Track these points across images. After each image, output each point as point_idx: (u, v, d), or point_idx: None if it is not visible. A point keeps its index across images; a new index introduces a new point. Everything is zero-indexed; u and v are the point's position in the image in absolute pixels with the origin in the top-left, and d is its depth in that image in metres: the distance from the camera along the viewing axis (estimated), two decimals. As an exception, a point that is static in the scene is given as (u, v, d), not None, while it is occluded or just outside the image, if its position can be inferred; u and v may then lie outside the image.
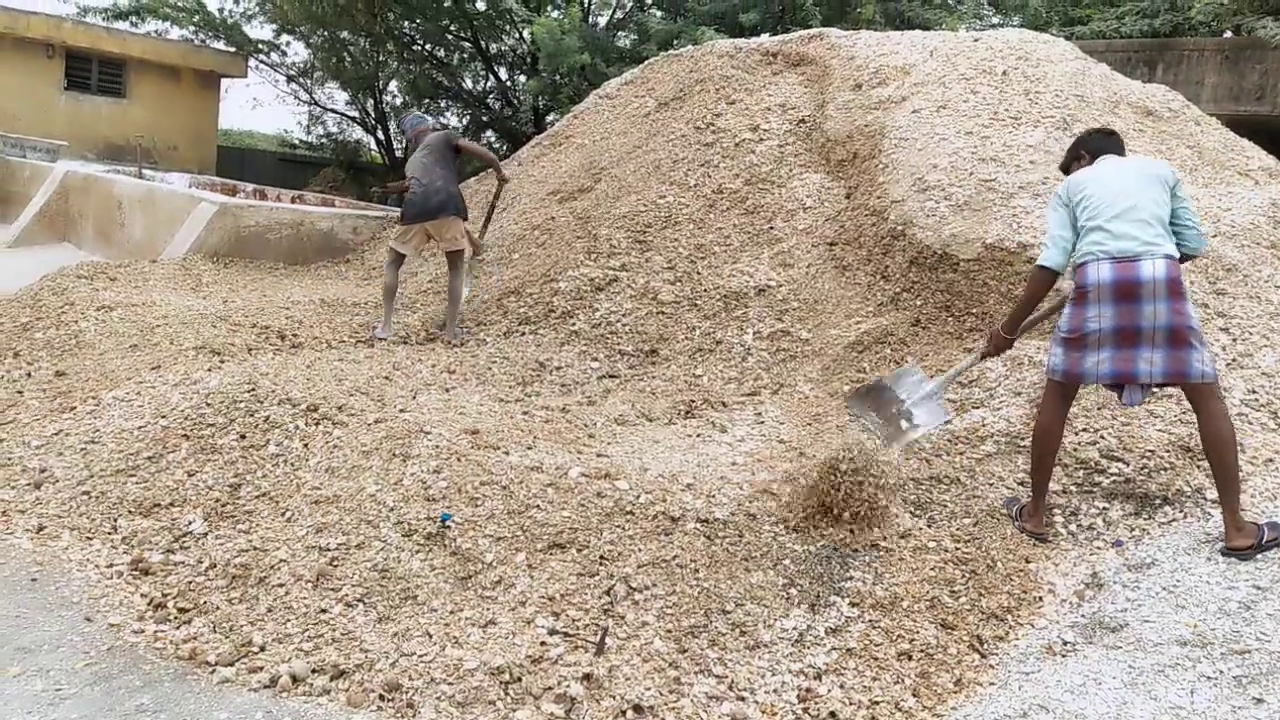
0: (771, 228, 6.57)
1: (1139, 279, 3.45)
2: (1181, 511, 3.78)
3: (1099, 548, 3.71)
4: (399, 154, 17.24)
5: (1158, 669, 2.82)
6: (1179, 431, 4.08)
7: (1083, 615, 3.28)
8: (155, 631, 3.12)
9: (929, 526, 3.76)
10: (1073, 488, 4.00)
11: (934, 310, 5.40)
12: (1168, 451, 4.03)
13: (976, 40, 7.42)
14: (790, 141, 7.27)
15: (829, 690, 2.94)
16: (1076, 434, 4.13)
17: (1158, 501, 3.83)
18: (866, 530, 3.54)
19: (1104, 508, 3.87)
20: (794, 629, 3.17)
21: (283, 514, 3.66)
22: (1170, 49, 11.72)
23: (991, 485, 4.07)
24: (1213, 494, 3.75)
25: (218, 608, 3.22)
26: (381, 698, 2.83)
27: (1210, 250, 5.01)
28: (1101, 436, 4.16)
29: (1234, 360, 4.49)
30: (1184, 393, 3.65)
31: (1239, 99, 11.06)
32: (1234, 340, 4.61)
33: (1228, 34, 12.63)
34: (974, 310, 5.21)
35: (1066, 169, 4.10)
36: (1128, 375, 3.55)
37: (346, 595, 3.21)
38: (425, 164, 6.67)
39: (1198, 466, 3.90)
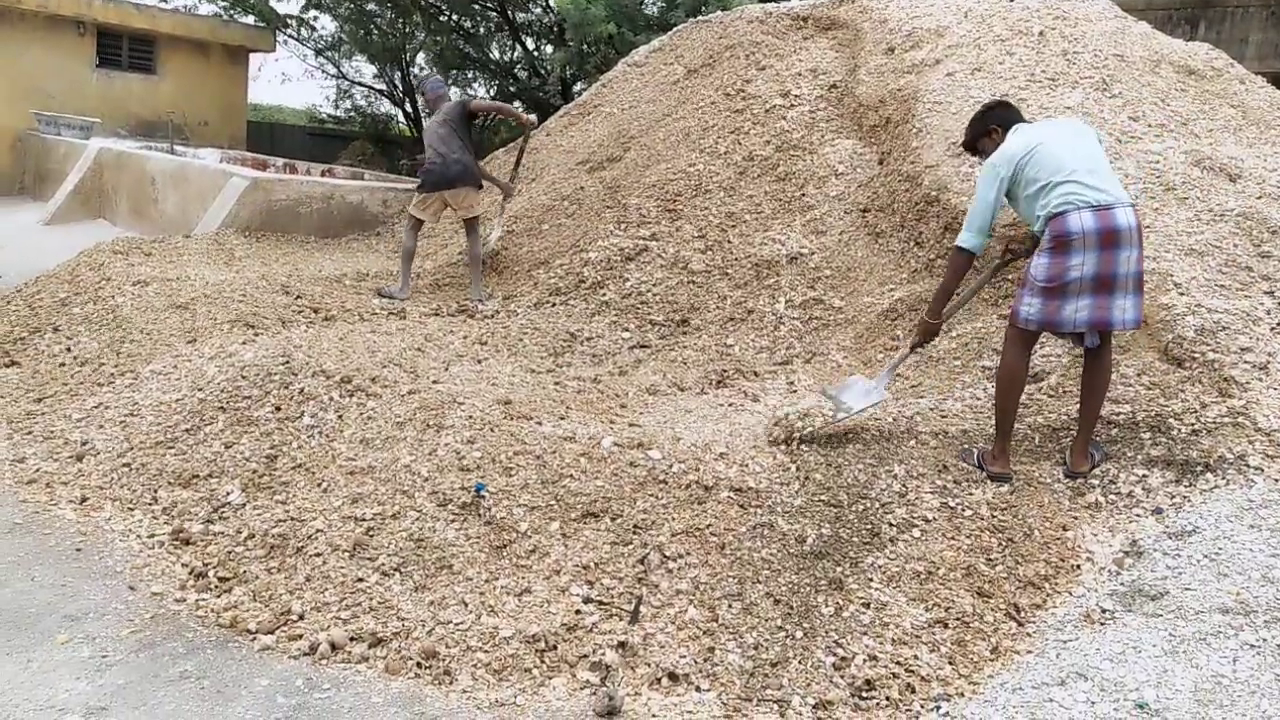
0: (803, 195, 6.50)
1: (1118, 226, 3.57)
2: (1223, 479, 3.70)
3: (1138, 515, 3.65)
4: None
5: (1199, 637, 2.78)
6: (1220, 399, 4.01)
7: (1122, 583, 3.25)
8: (197, 600, 3.17)
9: (965, 494, 3.72)
10: (1112, 454, 3.94)
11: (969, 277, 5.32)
12: (1209, 418, 3.95)
13: (1012, 0, 7.25)
14: (822, 107, 7.17)
15: (864, 659, 2.93)
16: (1116, 403, 4.06)
17: (1199, 468, 3.76)
18: None
19: (1143, 475, 3.81)
20: (828, 598, 3.16)
21: (319, 485, 3.69)
22: (1213, 6, 11.39)
23: (1030, 452, 4.03)
24: (1256, 460, 3.69)
25: (257, 577, 3.27)
26: (419, 665, 2.87)
27: (1255, 212, 4.89)
28: (1140, 404, 4.09)
29: (1279, 325, 4.38)
30: (1099, 334, 3.78)
31: (1285, 56, 10.73)
32: (1279, 304, 4.50)
33: (1273, -11, 12.24)
34: (1010, 276, 5.12)
35: (972, 146, 4.23)
36: (1104, 322, 3.67)
37: (383, 564, 3.24)
38: (442, 135, 6.99)
39: (1241, 433, 3.83)
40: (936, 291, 4.06)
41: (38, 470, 4.09)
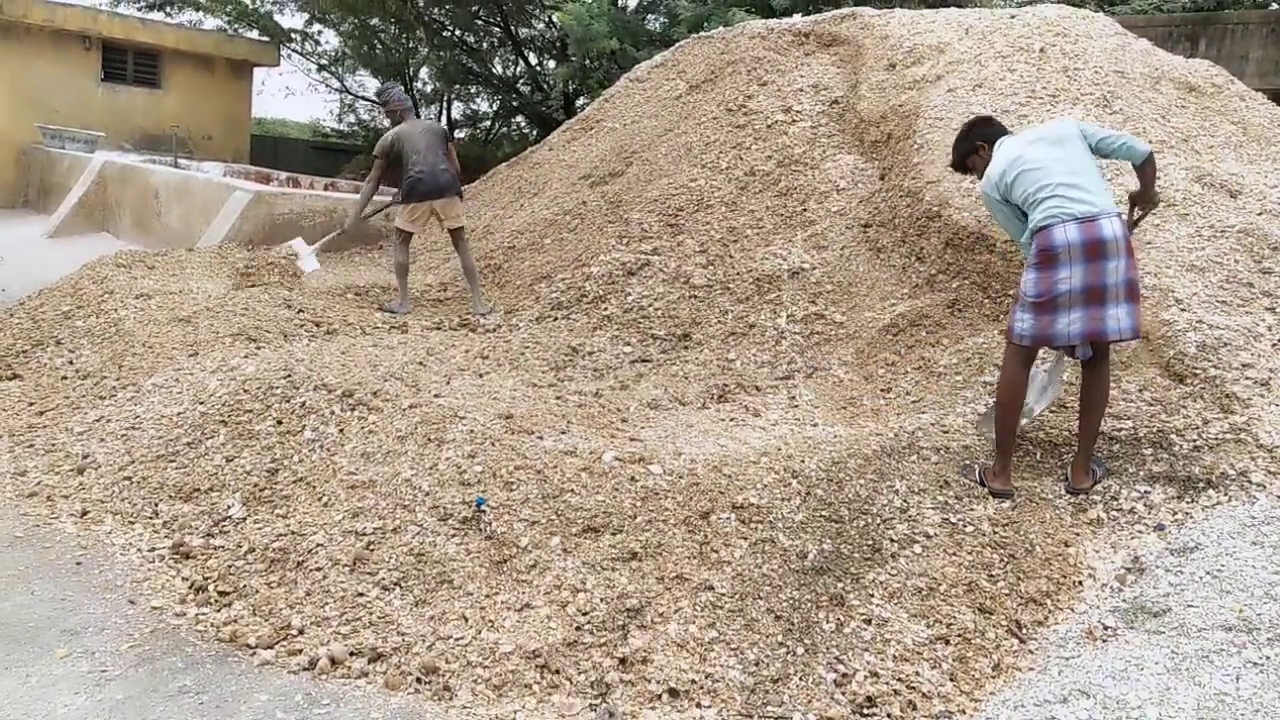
0: (804, 210, 6.51)
1: (1103, 237, 3.58)
2: (1226, 495, 3.70)
3: (1140, 531, 3.65)
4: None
5: (1202, 654, 2.77)
6: (1222, 415, 4.00)
7: (1124, 600, 3.24)
8: (197, 614, 3.17)
9: (967, 510, 3.72)
10: (1113, 470, 3.94)
11: (970, 292, 5.33)
12: (1211, 434, 3.95)
13: (1013, 17, 7.28)
14: (823, 123, 7.20)
15: (866, 675, 2.92)
16: (1117, 418, 4.06)
17: (1201, 485, 3.76)
18: None
19: (1145, 491, 3.81)
20: (830, 614, 3.15)
21: (319, 499, 3.69)
22: (1214, 23, 11.43)
23: (1032, 468, 4.02)
24: (1258, 476, 3.68)
25: (257, 591, 3.26)
26: (419, 680, 2.86)
27: (1256, 228, 4.90)
28: (1141, 419, 4.08)
29: (1280, 341, 4.39)
30: (1093, 346, 3.78)
31: (1285, 73, 10.76)
32: (1280, 320, 4.50)
33: (1274, 5, 12.31)
34: (1011, 291, 5.13)
35: (961, 165, 4.24)
36: (1098, 333, 3.66)
37: (383, 579, 3.24)
38: (430, 143, 6.89)
39: (1243, 449, 3.82)
40: None
41: (39, 483, 4.09)
